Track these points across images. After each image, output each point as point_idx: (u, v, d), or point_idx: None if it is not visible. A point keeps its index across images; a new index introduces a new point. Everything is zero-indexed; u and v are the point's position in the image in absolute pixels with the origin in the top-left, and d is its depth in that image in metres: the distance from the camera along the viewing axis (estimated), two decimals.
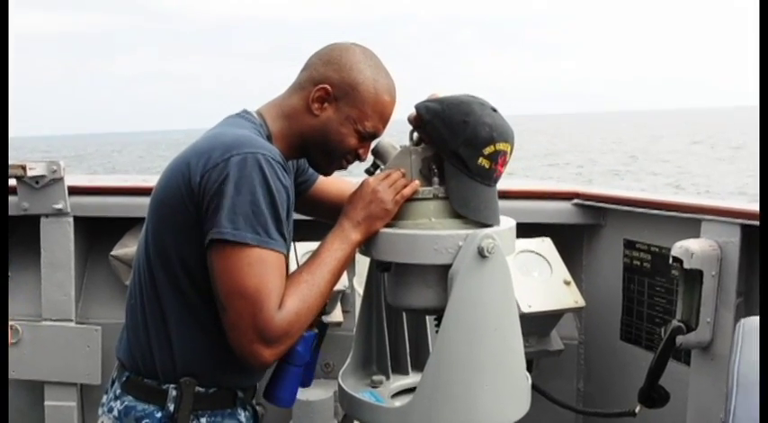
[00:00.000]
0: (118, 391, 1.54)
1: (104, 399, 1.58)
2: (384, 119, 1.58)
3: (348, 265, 1.53)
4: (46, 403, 2.76)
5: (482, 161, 1.47)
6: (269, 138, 1.55)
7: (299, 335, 1.44)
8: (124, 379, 1.54)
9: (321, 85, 1.54)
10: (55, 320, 2.74)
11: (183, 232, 1.44)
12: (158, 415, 1.48)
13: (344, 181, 1.82)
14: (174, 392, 1.48)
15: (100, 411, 1.58)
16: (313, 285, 1.44)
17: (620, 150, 38.72)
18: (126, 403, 1.51)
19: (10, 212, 2.71)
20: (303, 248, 2.12)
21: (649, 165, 28.74)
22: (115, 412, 1.52)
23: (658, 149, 37.61)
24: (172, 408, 1.48)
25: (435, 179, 1.51)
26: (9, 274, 2.81)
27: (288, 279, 1.43)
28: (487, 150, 1.46)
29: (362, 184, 1.54)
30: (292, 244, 1.56)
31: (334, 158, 1.61)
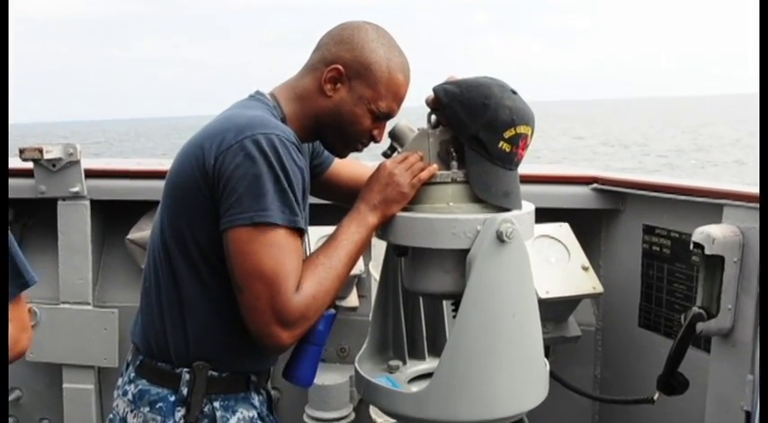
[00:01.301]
0: (132, 375, 1.54)
1: (119, 382, 1.59)
2: (398, 98, 1.56)
3: (365, 248, 1.52)
4: (64, 386, 2.78)
5: (503, 145, 1.44)
6: (283, 120, 1.53)
7: (316, 317, 1.43)
8: (138, 363, 1.54)
9: (333, 66, 1.52)
10: (72, 303, 2.76)
11: (198, 215, 1.43)
12: (172, 398, 1.48)
13: (360, 164, 1.81)
14: (187, 376, 1.48)
15: (115, 394, 1.58)
16: (330, 268, 1.42)
17: (681, 138, 36.24)
18: (140, 387, 1.51)
19: (27, 195, 2.72)
20: (318, 233, 2.11)
21: (721, 154, 26.36)
22: (129, 396, 1.52)
23: (714, 136, 35.12)
24: (185, 391, 1.48)
25: (454, 163, 1.49)
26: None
27: (305, 262, 1.42)
28: (508, 134, 1.44)
29: (379, 168, 1.52)
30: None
31: (349, 140, 1.59)
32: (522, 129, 1.45)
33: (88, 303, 2.76)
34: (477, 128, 1.44)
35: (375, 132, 1.58)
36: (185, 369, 1.49)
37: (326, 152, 1.71)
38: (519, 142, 1.45)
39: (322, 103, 1.54)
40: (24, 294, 1.56)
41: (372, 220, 1.49)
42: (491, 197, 1.46)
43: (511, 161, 1.47)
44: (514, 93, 1.47)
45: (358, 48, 1.52)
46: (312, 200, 1.62)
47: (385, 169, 1.50)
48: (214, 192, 1.39)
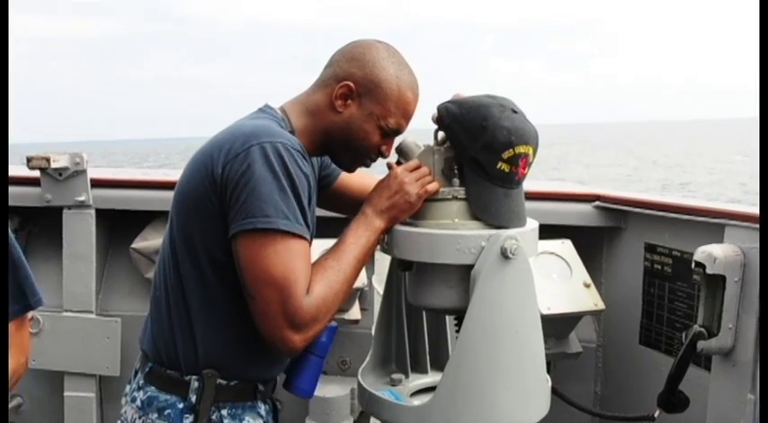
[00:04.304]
0: (141, 382, 1.55)
1: (127, 389, 1.60)
2: (407, 115, 1.59)
3: (371, 252, 1.53)
4: (65, 394, 2.79)
5: (502, 166, 1.45)
6: (291, 133, 1.55)
7: (327, 320, 1.45)
8: (147, 370, 1.55)
9: (344, 82, 1.54)
10: (76, 312, 2.77)
11: (208, 224, 1.45)
12: (180, 406, 1.50)
13: (368, 175, 1.82)
14: (196, 384, 1.50)
15: (123, 401, 1.60)
16: (339, 271, 1.44)
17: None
18: (149, 393, 1.53)
19: (33, 204, 2.74)
20: (321, 246, 2.13)
21: None
22: (138, 402, 1.53)
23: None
24: (194, 399, 1.49)
25: (455, 180, 1.50)
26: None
27: (313, 265, 1.44)
28: (506, 155, 1.45)
29: (390, 174, 1.54)
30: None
31: (358, 155, 1.61)
32: (521, 149, 1.46)
33: (91, 312, 2.77)
34: (476, 149, 1.45)
35: (383, 148, 1.61)
36: (194, 376, 1.50)
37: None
38: (519, 162, 1.46)
39: (332, 118, 1.56)
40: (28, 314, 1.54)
41: (379, 224, 1.51)
42: (490, 217, 1.47)
43: (511, 181, 1.48)
44: (515, 111, 1.48)
45: (369, 65, 1.54)
46: (317, 213, 1.64)
47: (395, 177, 1.52)
48: (222, 200, 1.41)
